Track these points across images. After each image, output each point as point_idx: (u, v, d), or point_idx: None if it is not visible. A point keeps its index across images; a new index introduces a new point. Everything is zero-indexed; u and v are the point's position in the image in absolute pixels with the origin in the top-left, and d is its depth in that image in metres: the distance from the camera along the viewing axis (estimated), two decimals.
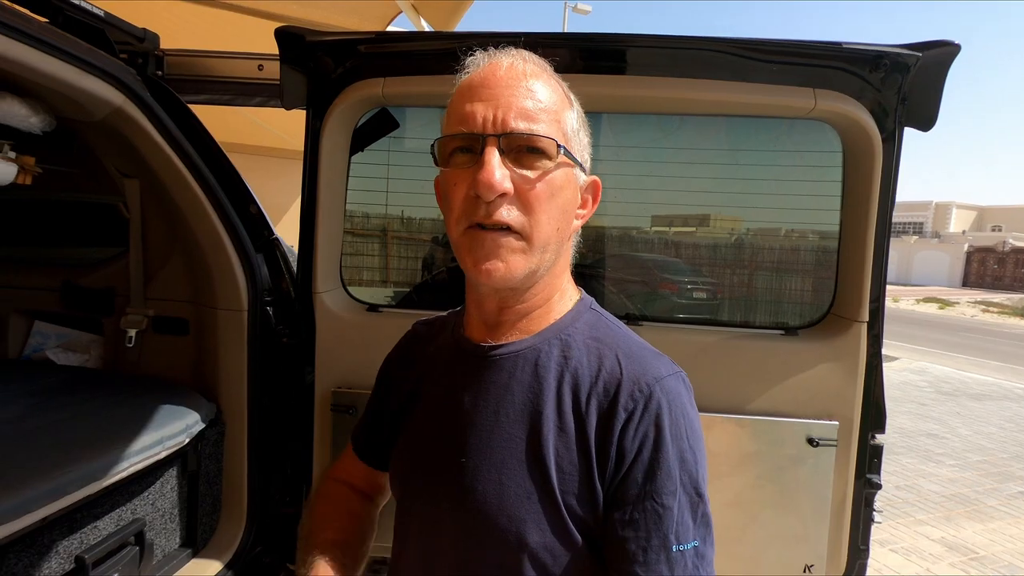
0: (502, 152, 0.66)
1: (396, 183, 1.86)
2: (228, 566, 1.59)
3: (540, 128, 0.67)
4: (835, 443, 1.43)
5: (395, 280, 2.02)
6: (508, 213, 0.67)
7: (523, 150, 0.67)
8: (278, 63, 1.48)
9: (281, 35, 1.38)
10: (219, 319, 1.66)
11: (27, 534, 1.09)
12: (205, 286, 1.69)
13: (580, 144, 0.74)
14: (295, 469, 1.74)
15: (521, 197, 0.67)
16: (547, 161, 0.68)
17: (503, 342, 0.76)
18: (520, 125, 0.67)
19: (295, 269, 1.67)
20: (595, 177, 0.79)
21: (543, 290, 0.76)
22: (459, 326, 0.84)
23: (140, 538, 1.35)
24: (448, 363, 0.82)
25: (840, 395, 1.45)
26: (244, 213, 1.67)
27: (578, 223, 0.77)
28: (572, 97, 0.75)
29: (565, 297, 0.79)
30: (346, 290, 1.69)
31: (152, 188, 1.67)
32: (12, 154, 1.46)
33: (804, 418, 1.47)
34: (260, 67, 1.72)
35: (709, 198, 1.70)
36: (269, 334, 1.69)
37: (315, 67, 1.45)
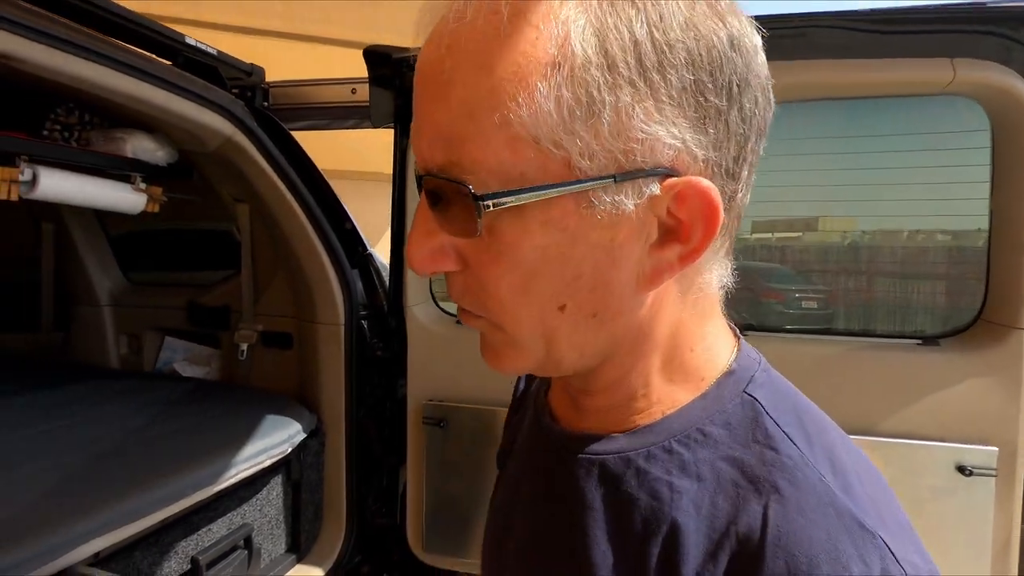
0: (435, 203, 0.39)
1: None
2: (329, 573, 1.64)
3: (461, 156, 0.36)
4: (994, 473, 1.21)
5: None
6: (463, 296, 0.42)
7: (447, 199, 0.38)
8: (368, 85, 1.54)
9: (369, 54, 1.43)
10: (319, 333, 1.74)
11: (150, 534, 1.17)
12: (306, 301, 1.77)
13: (608, 130, 0.35)
14: (390, 481, 1.77)
15: (472, 272, 0.40)
16: (485, 212, 0.36)
17: (584, 430, 0.48)
18: (436, 156, 0.38)
19: (388, 284, 1.71)
20: (693, 181, 0.37)
21: (619, 376, 0.45)
22: (545, 383, 0.57)
23: (248, 542, 1.42)
24: (528, 427, 0.58)
25: (999, 416, 1.23)
26: (340, 231, 1.74)
27: (668, 269, 0.40)
28: (586, 33, 0.35)
29: (688, 374, 0.45)
30: (436, 303, 1.70)
31: (259, 211, 1.78)
32: (143, 185, 1.62)
33: (951, 442, 1.26)
34: (353, 91, 1.79)
35: (821, 192, 1.53)
36: (364, 347, 1.74)
37: (401, 83, 1.48)
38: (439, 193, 0.38)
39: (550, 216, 0.37)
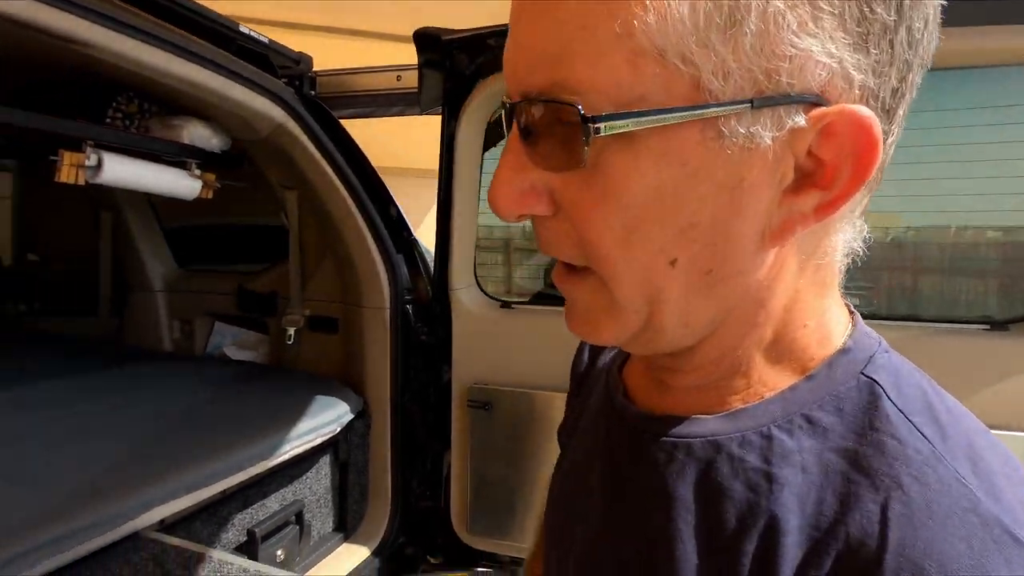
0: (527, 135, 0.34)
1: None
2: (375, 553, 1.66)
3: (568, 75, 0.31)
4: None
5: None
6: (557, 245, 0.37)
7: (545, 128, 0.33)
8: (414, 72, 1.55)
9: (419, 37, 1.44)
10: (364, 317, 1.76)
11: (209, 505, 1.21)
12: (352, 286, 1.80)
13: (750, 43, 0.29)
14: (434, 465, 1.79)
15: (571, 216, 0.35)
16: (593, 139, 0.31)
17: (666, 411, 0.42)
18: (536, 79, 0.33)
19: (432, 269, 1.72)
20: (849, 111, 0.30)
21: (721, 352, 0.39)
22: (620, 357, 0.52)
23: (300, 518, 1.45)
24: (597, 409, 0.51)
25: None
26: (386, 216, 1.76)
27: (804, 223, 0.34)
28: None
29: (796, 352, 0.39)
30: (480, 287, 1.70)
31: (307, 198, 1.82)
32: (197, 172, 1.67)
33: (1020, 431, 1.20)
34: (398, 78, 1.81)
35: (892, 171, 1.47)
36: (409, 332, 1.76)
37: (451, 65, 1.49)
38: (534, 123, 0.33)
39: (668, 147, 0.31)
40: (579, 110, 0.30)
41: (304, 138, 1.62)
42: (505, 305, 1.65)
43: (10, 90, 1.57)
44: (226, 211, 2.28)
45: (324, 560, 1.57)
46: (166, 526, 1.08)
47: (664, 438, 0.41)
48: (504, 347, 1.61)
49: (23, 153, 2.43)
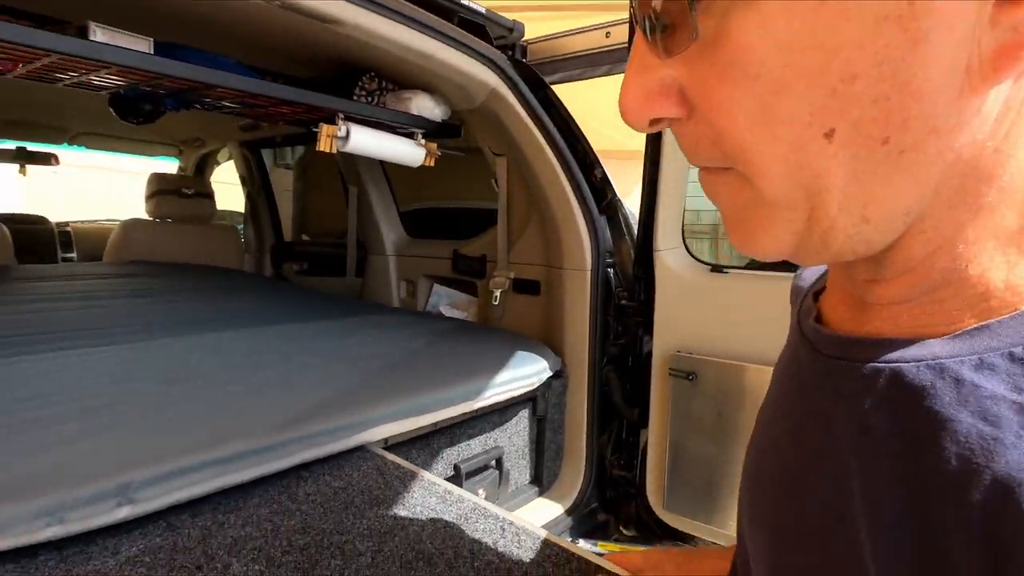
0: (650, 31, 0.29)
1: None
2: (568, 512, 1.67)
3: None
4: None
5: None
6: (696, 147, 0.32)
7: (667, 18, 0.28)
8: (624, 27, 1.49)
9: None
10: (565, 279, 1.77)
11: (423, 435, 1.32)
12: (555, 248, 1.82)
13: None
14: (630, 434, 1.73)
15: (702, 110, 0.30)
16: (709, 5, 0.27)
17: (869, 333, 0.34)
18: None
19: (637, 230, 1.65)
20: None
21: (932, 249, 0.30)
22: (820, 283, 0.45)
23: (499, 464, 1.52)
24: (791, 344, 0.44)
25: None
26: (590, 178, 1.74)
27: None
28: None
29: None
30: (688, 249, 1.58)
31: (516, 163, 1.88)
32: (422, 141, 1.84)
33: None
34: (607, 34, 1.76)
35: None
36: (609, 295, 1.72)
37: None
38: (651, 12, 0.28)
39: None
40: None
41: (515, 103, 1.68)
42: (716, 269, 1.51)
43: (292, 79, 1.90)
44: (444, 195, 2.59)
45: (520, 509, 1.63)
46: (388, 445, 1.22)
47: (863, 363, 0.32)
48: (712, 314, 1.47)
49: (295, 138, 2.97)
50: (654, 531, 1.65)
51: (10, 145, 3.27)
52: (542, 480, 1.71)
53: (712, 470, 1.47)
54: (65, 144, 3.36)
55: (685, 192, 1.56)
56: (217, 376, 1.26)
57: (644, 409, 1.64)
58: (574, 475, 1.74)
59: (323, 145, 1.61)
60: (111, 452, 0.86)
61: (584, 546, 1.27)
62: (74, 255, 3.53)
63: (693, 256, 1.57)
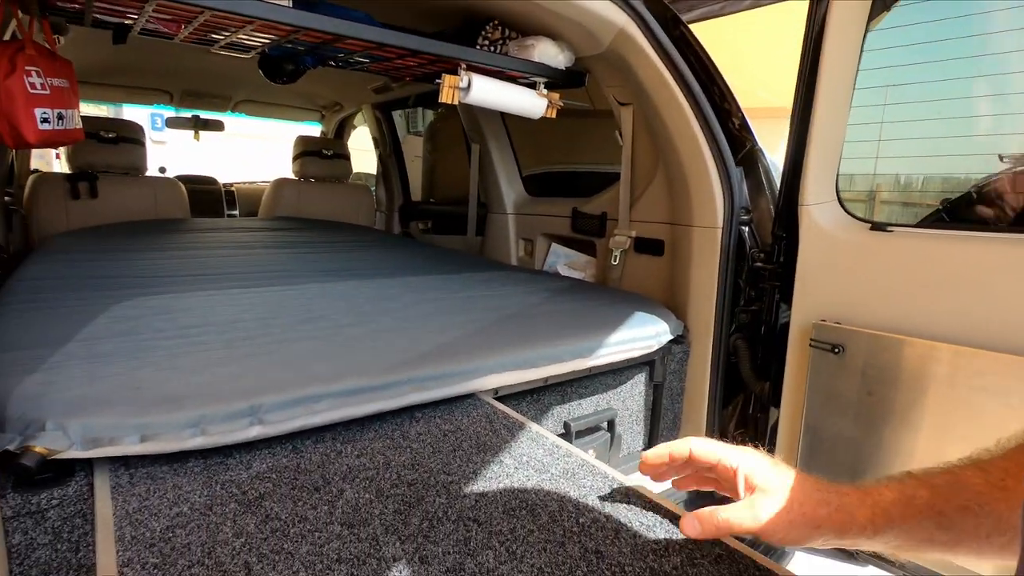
0: None
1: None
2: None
3: None
4: None
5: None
6: None
7: None
8: None
9: None
10: (693, 237, 1.63)
11: (533, 390, 1.30)
12: (683, 204, 1.68)
13: None
14: (758, 407, 1.58)
15: None
16: None
17: None
18: None
19: (781, 180, 1.46)
20: None
21: None
22: None
23: (611, 426, 1.47)
24: None
25: None
26: (727, 126, 1.57)
27: None
28: None
29: None
30: (842, 205, 1.38)
31: (643, 113, 1.75)
32: (544, 91, 1.77)
33: None
34: None
35: None
36: (742, 255, 1.56)
37: None
38: None
39: None
40: None
41: (645, 44, 1.54)
42: (877, 227, 1.29)
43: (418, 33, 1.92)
44: (566, 159, 2.56)
45: (632, 475, 1.56)
46: (499, 396, 1.21)
47: None
48: (869, 279, 1.27)
49: (425, 99, 3.04)
50: None
51: (187, 114, 3.72)
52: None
53: (854, 455, 1.29)
54: (229, 112, 3.75)
55: (844, 136, 1.34)
56: (341, 320, 1.32)
57: (776, 384, 1.48)
58: None
59: (445, 96, 1.61)
60: (247, 378, 0.93)
61: None
62: (236, 211, 3.97)
63: (848, 212, 1.36)
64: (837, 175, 1.37)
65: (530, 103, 1.73)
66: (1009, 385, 1.07)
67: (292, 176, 3.35)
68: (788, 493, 0.58)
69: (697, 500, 1.62)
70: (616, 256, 1.97)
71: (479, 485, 0.83)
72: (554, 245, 2.45)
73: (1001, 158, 1.57)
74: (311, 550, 0.67)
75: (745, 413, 1.63)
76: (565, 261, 2.37)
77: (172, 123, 3.79)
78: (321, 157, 3.28)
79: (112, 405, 0.80)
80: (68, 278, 1.57)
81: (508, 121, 2.59)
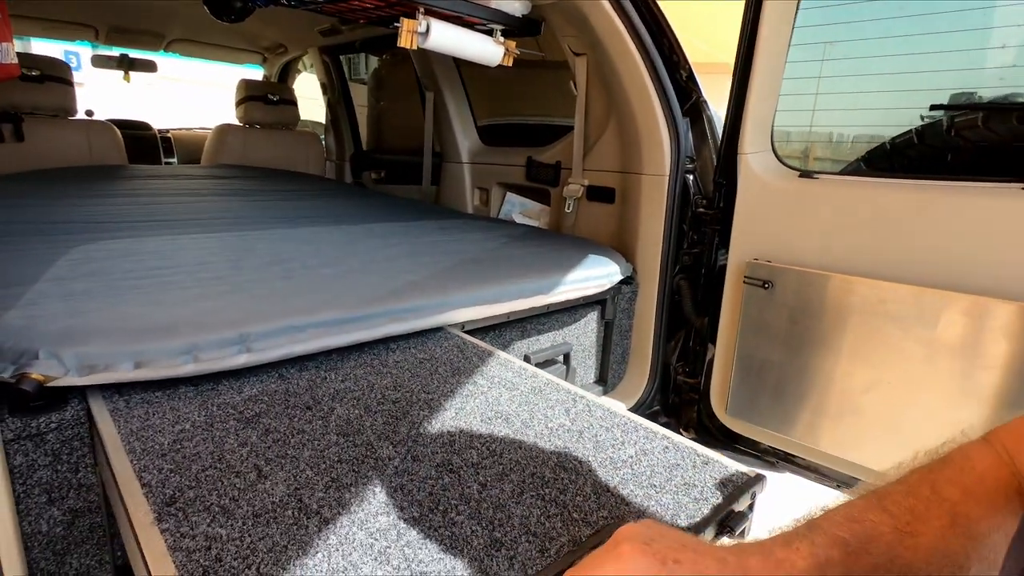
0: None
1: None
2: (630, 411, 1.74)
3: None
4: None
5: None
6: None
7: None
8: None
9: None
10: (643, 185, 1.74)
11: (496, 326, 1.40)
12: (633, 154, 1.78)
13: None
14: (697, 341, 1.74)
15: None
16: None
17: None
18: None
19: (722, 131, 1.58)
20: None
21: None
22: None
23: (567, 359, 1.59)
24: None
25: None
26: (675, 77, 1.66)
27: None
28: None
29: None
30: (776, 154, 1.51)
31: (597, 63, 1.81)
32: (501, 39, 1.80)
33: None
34: None
35: None
36: (686, 202, 1.68)
37: None
38: None
39: None
40: None
41: None
42: (805, 175, 1.43)
43: None
44: (520, 111, 2.59)
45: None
46: (466, 330, 1.30)
47: None
48: (797, 222, 1.42)
49: (375, 42, 2.96)
50: (715, 435, 1.70)
51: (113, 52, 3.47)
52: (607, 380, 1.78)
53: (780, 378, 1.47)
54: (161, 52, 3.52)
55: (779, 90, 1.46)
56: (310, 262, 1.36)
57: (714, 319, 1.64)
58: (638, 378, 1.80)
59: (404, 40, 1.61)
60: (230, 311, 0.98)
61: None
62: (175, 159, 3.79)
63: (781, 160, 1.50)
64: (772, 127, 1.49)
65: (487, 51, 1.75)
66: (907, 311, 1.25)
67: (236, 122, 3.23)
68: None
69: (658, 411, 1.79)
70: (570, 204, 2.06)
71: (457, 401, 0.92)
72: (509, 194, 2.51)
73: (922, 118, 1.74)
74: (313, 455, 0.75)
75: (687, 347, 1.79)
76: (520, 209, 2.44)
77: (98, 62, 3.52)
78: (267, 103, 3.17)
79: (106, 334, 0.84)
80: (14, 222, 1.52)
81: (463, 70, 2.59)
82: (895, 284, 1.26)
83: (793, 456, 1.50)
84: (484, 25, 1.77)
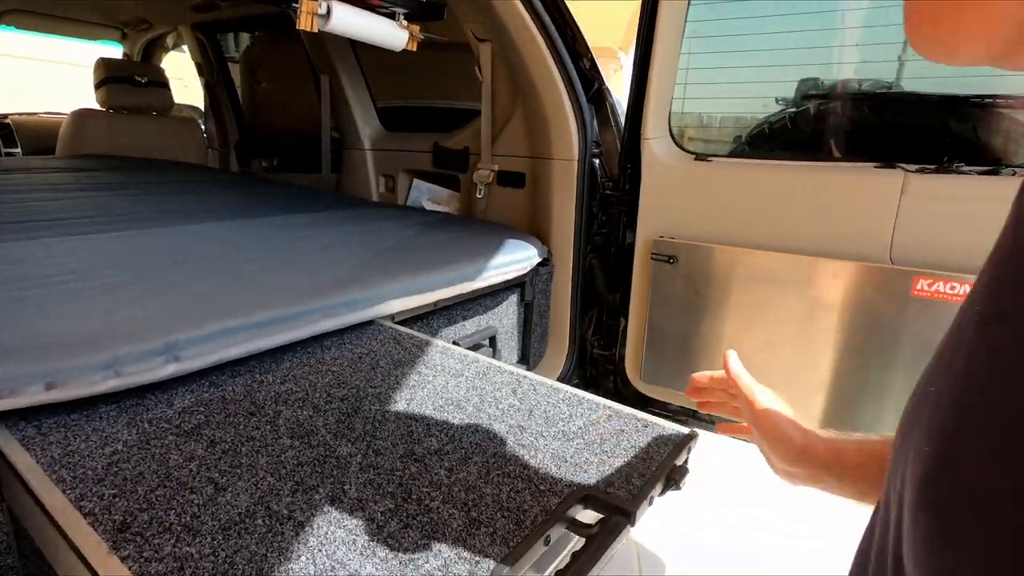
0: None
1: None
2: None
3: None
4: None
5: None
6: None
7: None
8: None
9: None
10: (553, 169, 1.81)
11: (423, 315, 1.40)
12: (542, 139, 1.83)
13: None
14: (610, 316, 1.86)
15: None
16: None
17: None
18: None
19: (625, 118, 1.68)
20: None
21: None
22: None
23: (493, 342, 1.64)
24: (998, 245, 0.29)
25: None
26: (578, 65, 1.73)
27: None
28: None
29: None
30: (674, 139, 1.63)
31: (503, 50, 1.84)
32: (404, 23, 1.77)
33: None
34: None
35: None
36: (595, 185, 1.78)
37: None
38: None
39: None
40: None
41: None
42: (700, 158, 1.57)
43: None
44: (422, 94, 2.56)
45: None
46: (396, 321, 1.29)
47: None
48: (695, 201, 1.56)
49: (252, 21, 2.77)
50: (631, 401, 1.83)
51: None
52: (529, 359, 1.85)
53: (686, 343, 1.62)
54: None
55: (675, 80, 1.58)
56: (219, 260, 1.28)
57: (625, 294, 1.76)
58: (558, 355, 1.89)
59: (303, 23, 1.54)
60: (151, 318, 0.90)
61: None
62: (18, 150, 3.30)
63: (678, 145, 1.63)
64: (670, 113, 1.61)
65: (391, 34, 1.72)
66: (786, 276, 1.43)
67: (97, 107, 2.87)
68: (788, 416, 0.66)
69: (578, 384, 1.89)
70: (481, 190, 2.09)
71: (406, 392, 0.93)
72: (416, 181, 2.48)
73: (777, 100, 1.95)
74: (270, 461, 0.73)
75: (600, 321, 1.91)
76: (428, 196, 2.43)
77: None
78: (134, 85, 2.85)
79: (7, 353, 0.75)
80: None
81: (360, 52, 2.50)
82: (778, 253, 1.44)
83: (700, 413, 1.67)
84: (386, 8, 1.73)
